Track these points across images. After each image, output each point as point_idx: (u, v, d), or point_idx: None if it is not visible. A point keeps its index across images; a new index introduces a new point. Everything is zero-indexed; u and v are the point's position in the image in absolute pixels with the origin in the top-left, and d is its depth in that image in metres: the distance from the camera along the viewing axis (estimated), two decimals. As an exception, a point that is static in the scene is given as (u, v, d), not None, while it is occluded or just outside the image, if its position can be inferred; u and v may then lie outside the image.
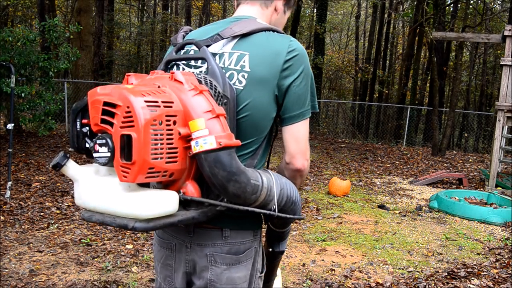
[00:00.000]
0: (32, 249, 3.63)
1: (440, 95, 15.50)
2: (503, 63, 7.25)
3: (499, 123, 7.09)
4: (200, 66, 1.23)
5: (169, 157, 0.99)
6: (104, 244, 3.81)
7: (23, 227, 4.15)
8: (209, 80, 1.11)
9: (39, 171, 6.42)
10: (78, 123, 1.12)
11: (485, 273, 3.48)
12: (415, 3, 15.77)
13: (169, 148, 0.99)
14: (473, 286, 3.22)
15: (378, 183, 7.38)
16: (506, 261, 3.77)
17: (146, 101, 0.96)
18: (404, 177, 8.14)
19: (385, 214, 5.31)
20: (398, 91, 19.02)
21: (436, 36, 8.83)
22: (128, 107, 0.94)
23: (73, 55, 7.93)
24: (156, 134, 0.96)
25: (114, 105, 0.98)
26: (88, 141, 1.11)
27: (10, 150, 5.07)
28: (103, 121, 1.00)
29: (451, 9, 16.53)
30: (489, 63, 19.60)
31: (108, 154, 0.99)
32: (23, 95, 6.86)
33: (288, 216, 1.20)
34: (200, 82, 1.09)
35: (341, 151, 11.51)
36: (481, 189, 7.03)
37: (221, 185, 1.03)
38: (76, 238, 3.93)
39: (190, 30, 1.34)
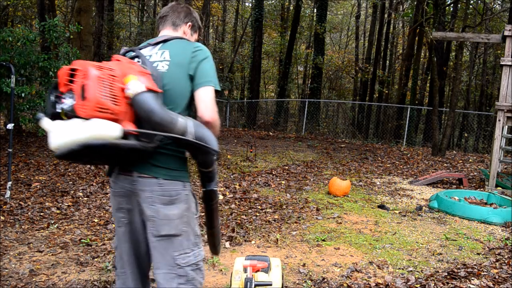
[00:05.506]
0: (32, 249, 3.63)
1: (440, 95, 15.49)
2: (503, 63, 7.25)
3: (499, 123, 7.08)
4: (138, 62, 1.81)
5: (112, 99, 1.52)
6: (104, 244, 3.80)
7: (23, 227, 4.15)
8: (143, 66, 1.72)
9: (39, 171, 6.42)
10: (52, 96, 1.59)
11: (485, 273, 3.48)
12: (415, 3, 15.78)
13: (112, 94, 1.52)
14: (473, 286, 3.22)
15: (378, 183, 7.37)
16: (506, 261, 3.77)
17: (95, 66, 1.53)
18: (404, 177, 8.14)
19: (385, 214, 5.31)
20: (398, 91, 19.01)
21: (436, 36, 8.83)
22: (84, 69, 1.51)
23: (73, 55, 7.93)
24: (101, 83, 1.50)
25: (75, 70, 1.53)
26: (57, 105, 1.57)
27: (10, 150, 5.07)
28: (70, 81, 1.53)
29: (451, 9, 16.54)
30: (489, 63, 19.61)
31: (72, 101, 1.51)
32: (23, 95, 6.87)
33: (201, 143, 1.64)
34: None
35: (341, 151, 11.52)
36: (481, 189, 7.02)
37: (148, 114, 1.54)
38: (76, 238, 3.93)
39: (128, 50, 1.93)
